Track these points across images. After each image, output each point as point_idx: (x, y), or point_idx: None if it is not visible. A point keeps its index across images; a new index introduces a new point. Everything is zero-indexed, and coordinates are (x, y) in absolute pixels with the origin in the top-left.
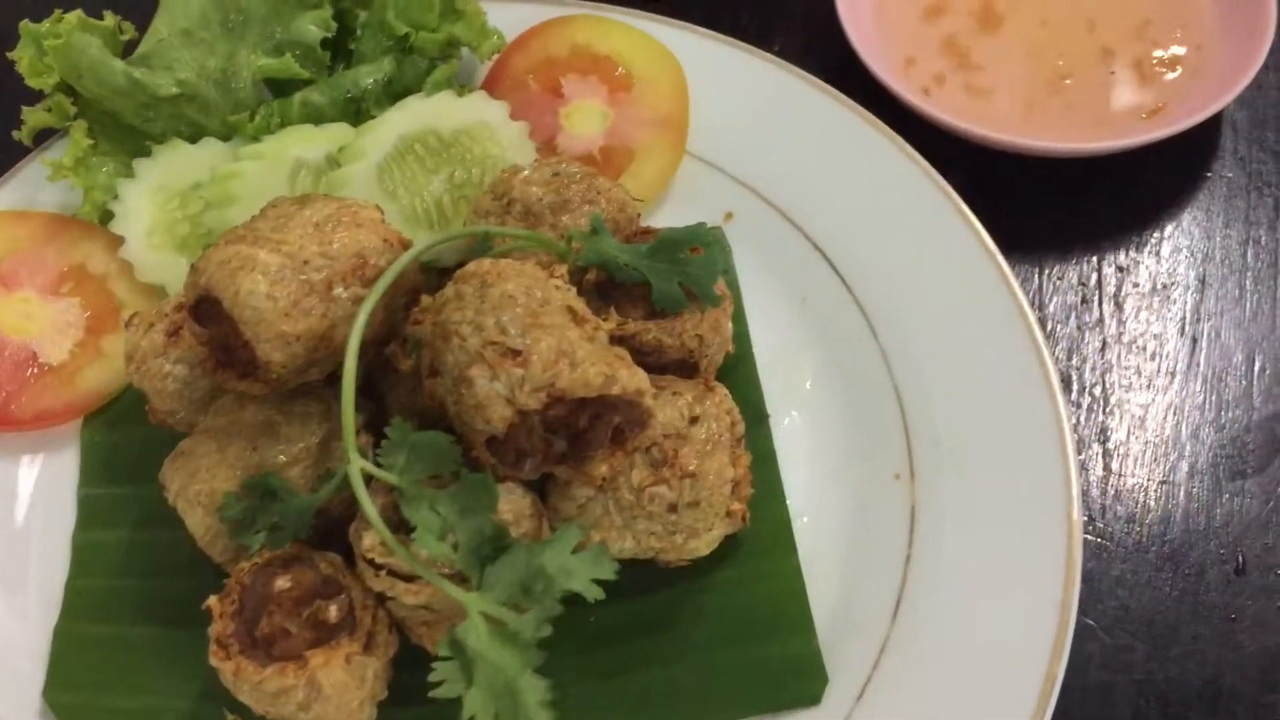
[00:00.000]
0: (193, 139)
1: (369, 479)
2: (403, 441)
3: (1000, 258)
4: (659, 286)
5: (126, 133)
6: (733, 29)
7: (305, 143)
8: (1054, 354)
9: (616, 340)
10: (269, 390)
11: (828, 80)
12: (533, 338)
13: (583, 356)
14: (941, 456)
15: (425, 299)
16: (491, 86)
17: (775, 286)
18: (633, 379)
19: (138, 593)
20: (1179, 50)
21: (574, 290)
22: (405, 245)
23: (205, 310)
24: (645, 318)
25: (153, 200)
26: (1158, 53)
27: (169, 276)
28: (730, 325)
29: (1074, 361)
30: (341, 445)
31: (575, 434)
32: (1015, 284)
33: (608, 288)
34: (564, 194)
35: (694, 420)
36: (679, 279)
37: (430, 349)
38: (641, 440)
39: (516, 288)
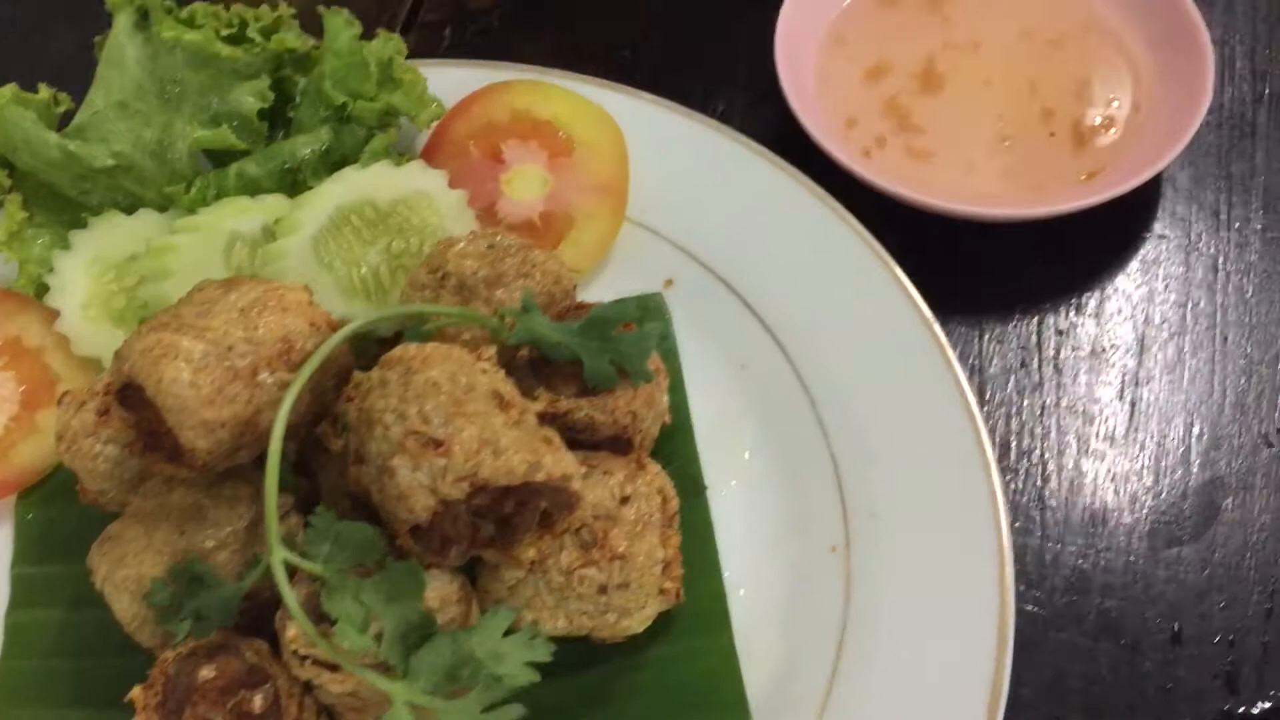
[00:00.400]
0: (129, 210)
1: (293, 569)
2: (327, 530)
3: (937, 327)
4: (590, 365)
5: (63, 204)
6: (676, 90)
7: (240, 215)
8: (993, 419)
9: (548, 418)
10: (196, 474)
11: (771, 142)
12: (455, 426)
13: (506, 444)
14: (877, 529)
15: (358, 374)
16: (432, 152)
17: (715, 353)
18: (558, 464)
19: (71, 674)
20: (1118, 111)
21: (502, 372)
22: (334, 327)
23: (130, 395)
24: (578, 394)
25: (88, 273)
26: (1097, 114)
27: (106, 349)
28: (666, 398)
29: (1013, 426)
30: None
31: (502, 519)
32: (952, 355)
33: (540, 364)
34: (498, 267)
35: (624, 500)
36: (611, 356)
37: (355, 435)
38: (571, 522)
39: (441, 374)
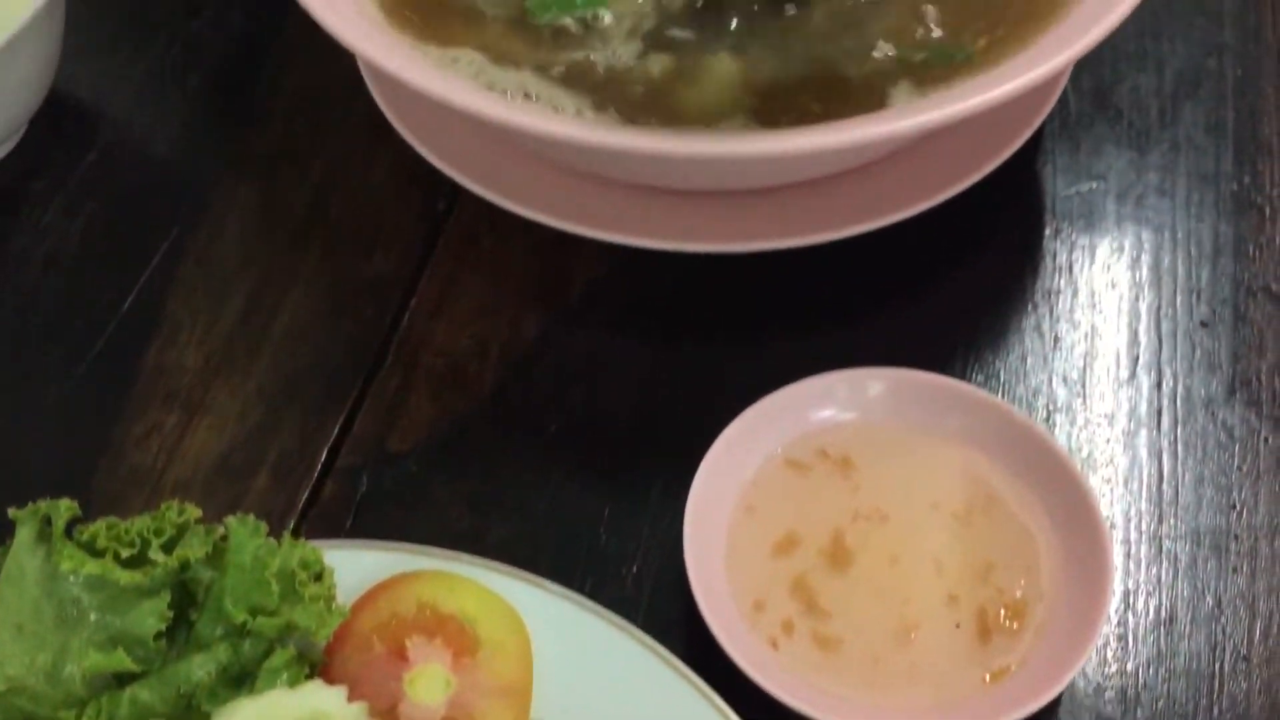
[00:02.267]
0: None
1: None
2: None
3: None
4: None
5: None
6: (590, 542)
7: None
8: None
9: None
10: None
11: (682, 618)
12: None
13: None
14: None
15: None
16: (336, 646)
17: None
18: None
19: None
20: (1023, 601)
21: None
22: None
23: None
24: None
25: None
26: (1001, 603)
27: None
28: None
29: None
30: None
31: None
32: None
33: None
34: None
35: None
36: None
37: None
38: None
39: None
